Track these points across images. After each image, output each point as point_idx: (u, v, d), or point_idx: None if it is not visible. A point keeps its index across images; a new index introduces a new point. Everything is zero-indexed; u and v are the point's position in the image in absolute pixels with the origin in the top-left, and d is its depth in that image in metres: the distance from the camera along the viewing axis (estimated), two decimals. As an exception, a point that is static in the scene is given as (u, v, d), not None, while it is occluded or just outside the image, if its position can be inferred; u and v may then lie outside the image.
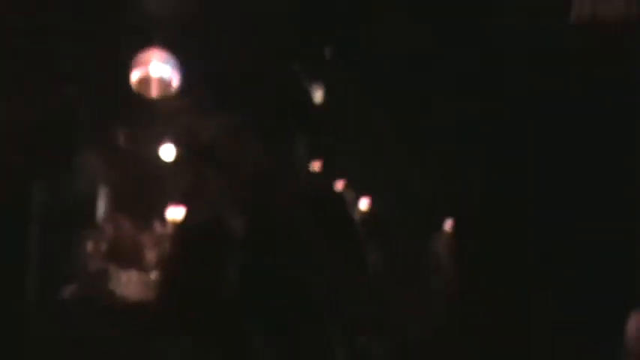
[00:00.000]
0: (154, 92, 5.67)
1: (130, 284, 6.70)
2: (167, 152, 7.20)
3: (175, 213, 7.40)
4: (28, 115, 5.43)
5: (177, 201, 7.30)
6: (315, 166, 5.78)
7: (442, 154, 6.36)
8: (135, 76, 5.62)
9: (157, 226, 7.53)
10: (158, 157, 7.21)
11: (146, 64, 5.62)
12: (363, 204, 7.42)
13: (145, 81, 5.64)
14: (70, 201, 6.50)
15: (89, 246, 6.94)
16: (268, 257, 2.72)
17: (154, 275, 6.85)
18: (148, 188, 7.34)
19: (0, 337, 5.35)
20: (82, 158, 6.14)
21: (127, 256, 7.17)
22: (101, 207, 7.13)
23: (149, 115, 6.51)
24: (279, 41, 5.39)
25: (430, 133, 6.42)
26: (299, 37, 5.54)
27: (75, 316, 6.22)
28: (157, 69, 5.63)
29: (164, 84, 5.68)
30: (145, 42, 5.67)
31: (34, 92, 5.44)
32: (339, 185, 5.92)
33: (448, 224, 7.06)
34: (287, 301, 2.71)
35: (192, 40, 5.74)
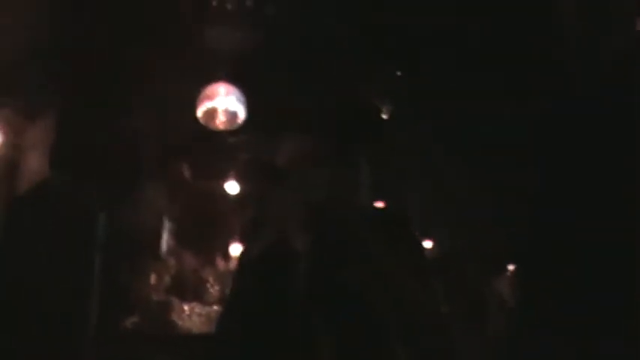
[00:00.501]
0: (220, 125, 5.70)
1: (192, 316, 6.74)
2: (232, 187, 7.23)
3: (238, 250, 7.40)
4: (97, 148, 5.50)
5: (240, 238, 7.31)
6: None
7: (506, 193, 6.27)
8: (201, 109, 5.67)
9: (220, 262, 7.55)
10: (223, 192, 7.24)
11: (212, 97, 5.67)
12: (427, 244, 7.37)
13: (212, 114, 5.68)
14: (134, 233, 6.55)
15: (152, 278, 7.00)
16: (334, 277, 2.69)
17: (215, 308, 6.89)
18: (211, 223, 7.37)
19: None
20: (147, 191, 6.18)
21: (189, 290, 7.23)
22: (165, 240, 7.17)
23: (215, 149, 6.55)
24: (343, 68, 5.38)
25: (495, 170, 6.33)
26: (365, 63, 5.53)
27: (136, 346, 6.27)
28: (223, 102, 5.66)
29: (230, 117, 5.71)
30: (211, 76, 5.71)
31: (102, 124, 5.52)
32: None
33: (512, 265, 6.95)
34: (353, 322, 2.68)
35: (257, 72, 5.77)
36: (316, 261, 2.74)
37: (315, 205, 2.82)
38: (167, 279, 7.14)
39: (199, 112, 5.68)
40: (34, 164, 6.07)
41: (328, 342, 2.69)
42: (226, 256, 7.58)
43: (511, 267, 7.00)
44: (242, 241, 7.11)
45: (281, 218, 2.83)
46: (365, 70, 5.41)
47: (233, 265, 7.45)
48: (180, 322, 6.68)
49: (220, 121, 5.71)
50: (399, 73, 5.58)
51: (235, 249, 7.47)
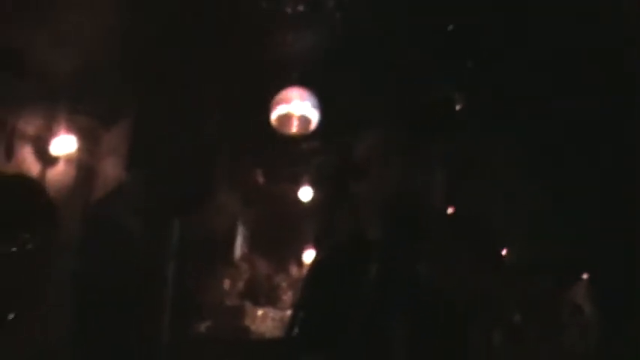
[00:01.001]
0: (295, 130, 5.68)
1: (265, 321, 6.74)
2: (305, 192, 7.19)
3: (312, 256, 7.37)
4: (171, 153, 5.52)
5: (314, 244, 7.28)
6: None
7: (582, 202, 6.12)
8: (275, 114, 5.65)
9: (293, 268, 7.54)
10: (296, 197, 7.21)
11: (286, 102, 5.65)
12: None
13: (286, 119, 5.66)
14: (208, 239, 6.57)
15: (226, 283, 7.02)
16: (408, 269, 2.65)
17: (289, 313, 6.86)
18: (285, 229, 7.35)
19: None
20: (221, 196, 6.19)
21: (263, 295, 7.22)
22: (238, 246, 7.18)
23: (288, 154, 6.53)
24: (420, 67, 5.31)
25: (569, 179, 6.19)
26: (439, 64, 5.45)
27: (210, 351, 6.29)
28: (298, 107, 5.64)
29: (304, 122, 5.69)
30: (286, 80, 5.70)
31: (177, 130, 5.53)
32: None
33: (587, 274, 6.78)
34: (428, 315, 2.64)
35: (330, 76, 5.73)
36: (392, 255, 2.70)
37: (391, 201, 2.78)
38: (240, 284, 7.15)
39: (273, 117, 5.67)
40: (110, 170, 6.12)
41: (402, 334, 2.65)
42: (299, 261, 7.55)
43: (585, 276, 6.84)
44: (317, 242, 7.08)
45: (358, 214, 2.80)
46: (438, 67, 5.33)
47: (306, 270, 7.42)
48: (253, 327, 6.68)
49: (294, 126, 5.69)
50: (469, 65, 5.47)
51: (308, 255, 7.43)
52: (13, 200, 2.47)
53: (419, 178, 2.98)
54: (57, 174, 5.83)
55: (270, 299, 7.18)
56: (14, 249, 2.13)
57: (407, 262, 2.70)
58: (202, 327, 6.65)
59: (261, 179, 7.04)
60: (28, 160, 5.99)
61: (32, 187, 2.66)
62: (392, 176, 2.96)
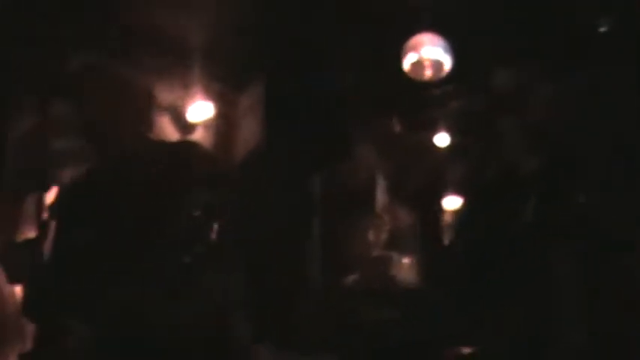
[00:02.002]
0: (428, 75, 5.57)
1: (412, 269, 6.70)
2: (442, 139, 7.07)
3: (453, 202, 7.27)
4: (306, 110, 5.50)
5: (455, 190, 7.16)
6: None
7: None
8: (407, 61, 5.56)
9: (436, 216, 7.44)
10: (433, 144, 7.10)
11: (418, 48, 5.55)
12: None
13: (418, 64, 5.56)
14: (349, 192, 6.56)
15: (370, 235, 7.00)
16: (566, 201, 2.55)
17: (434, 260, 6.81)
18: (424, 177, 7.26)
19: (284, 323, 5.47)
20: (358, 148, 6.14)
21: (407, 244, 7.17)
22: (379, 196, 7.13)
23: (423, 100, 6.44)
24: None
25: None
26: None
27: (359, 302, 6.29)
28: (429, 52, 5.54)
29: (437, 67, 5.58)
30: (415, 26, 5.59)
31: (309, 85, 5.51)
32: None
33: None
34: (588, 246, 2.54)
35: (461, 19, 5.60)
36: (548, 188, 2.60)
37: (543, 134, 2.68)
38: (384, 235, 7.11)
39: (405, 64, 5.58)
40: (247, 133, 6.17)
41: (563, 268, 2.55)
42: (442, 209, 7.44)
43: None
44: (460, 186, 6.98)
45: (507, 152, 2.71)
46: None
47: (447, 217, 7.33)
48: (400, 276, 6.65)
49: (427, 72, 5.59)
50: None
51: (451, 201, 7.31)
52: (189, 164, 2.49)
53: (567, 109, 2.85)
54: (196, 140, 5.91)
55: (415, 248, 7.11)
56: (198, 212, 2.14)
57: (564, 194, 2.58)
58: (350, 279, 6.65)
59: (397, 128, 6.95)
60: (166, 129, 6.11)
61: (201, 151, 2.68)
62: (540, 110, 2.84)
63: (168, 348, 2.33)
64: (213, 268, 2.26)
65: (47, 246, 4.12)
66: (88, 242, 2.47)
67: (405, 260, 6.75)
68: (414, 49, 5.57)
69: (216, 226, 2.12)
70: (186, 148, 2.72)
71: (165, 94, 6.00)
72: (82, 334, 2.44)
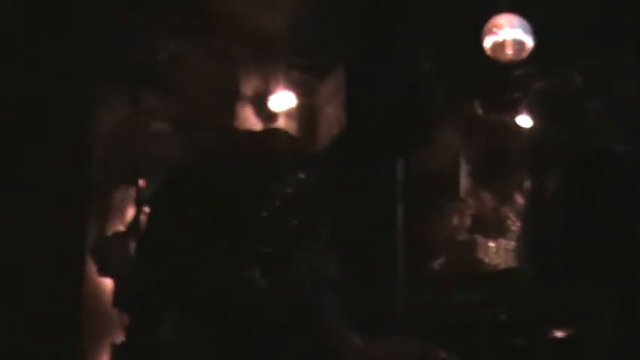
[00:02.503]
0: (509, 56, 5.49)
1: (498, 252, 6.63)
2: (524, 120, 6.95)
3: (536, 185, 7.16)
4: (388, 95, 5.47)
5: (537, 171, 7.05)
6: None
7: None
8: (488, 42, 5.49)
9: (518, 198, 7.33)
10: (516, 126, 6.99)
11: (499, 29, 5.46)
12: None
13: (499, 46, 5.48)
14: (431, 175, 6.52)
15: (454, 219, 6.94)
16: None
17: (519, 243, 6.73)
18: (507, 159, 7.15)
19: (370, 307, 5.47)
20: (441, 132, 6.08)
21: (492, 227, 7.09)
22: (463, 180, 7.06)
23: (505, 81, 6.34)
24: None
25: None
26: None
27: (446, 286, 6.25)
28: (510, 33, 5.45)
29: (518, 47, 5.49)
30: (495, 7, 5.51)
31: (390, 71, 5.47)
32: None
33: None
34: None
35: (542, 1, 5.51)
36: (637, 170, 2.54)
37: (626, 113, 2.61)
38: (468, 219, 7.05)
39: (486, 45, 5.50)
40: (329, 120, 6.16)
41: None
42: (524, 191, 7.33)
43: None
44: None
45: (596, 133, 2.65)
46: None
47: (531, 199, 7.22)
48: (487, 260, 6.58)
49: (508, 53, 5.51)
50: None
51: (534, 183, 7.20)
52: (274, 151, 2.51)
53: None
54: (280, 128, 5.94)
55: (500, 231, 7.03)
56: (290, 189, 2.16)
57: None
58: (436, 264, 6.62)
59: (479, 110, 6.87)
60: (250, 120, 6.15)
61: (286, 137, 2.70)
62: (628, 90, 2.76)
63: (260, 332, 2.34)
64: (304, 251, 2.27)
65: (137, 238, 4.18)
66: (178, 232, 2.49)
67: (490, 243, 6.68)
68: (495, 30, 5.49)
69: (304, 212, 2.12)
70: (271, 136, 2.73)
71: (247, 84, 6.05)
72: (175, 324, 2.46)
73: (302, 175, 2.15)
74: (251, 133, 2.74)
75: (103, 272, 4.94)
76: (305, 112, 6.45)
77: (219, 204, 2.43)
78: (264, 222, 2.15)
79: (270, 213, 2.14)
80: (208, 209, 2.44)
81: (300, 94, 6.39)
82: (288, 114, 6.33)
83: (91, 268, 4.98)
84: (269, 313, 2.33)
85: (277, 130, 4.72)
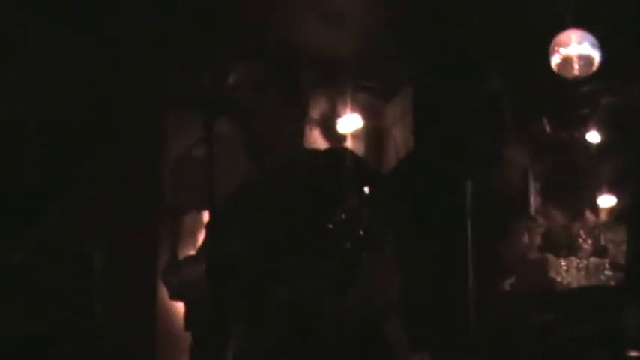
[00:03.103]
0: (576, 72, 5.38)
1: (569, 271, 6.51)
2: (593, 137, 6.83)
3: (607, 201, 7.03)
4: (456, 116, 5.41)
5: (608, 188, 6.93)
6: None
7: None
8: (555, 58, 5.39)
9: (589, 216, 7.21)
10: (585, 142, 6.87)
11: (565, 45, 5.36)
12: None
13: (567, 62, 5.38)
14: (502, 195, 6.43)
15: (524, 238, 6.85)
16: None
17: (592, 260, 6.60)
18: (577, 176, 7.04)
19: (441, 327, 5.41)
20: (511, 150, 6.00)
21: (562, 246, 6.97)
22: (532, 198, 6.97)
23: (573, 98, 6.24)
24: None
25: None
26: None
27: (517, 306, 6.16)
28: (577, 49, 5.34)
29: (586, 63, 5.38)
30: (562, 23, 5.42)
31: (458, 93, 5.42)
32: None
33: None
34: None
35: (609, 14, 5.39)
36: None
37: None
38: (538, 237, 6.95)
39: (553, 62, 5.40)
40: (397, 141, 6.13)
41: None
42: (594, 208, 7.20)
43: None
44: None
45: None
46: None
47: (602, 217, 7.10)
48: (559, 278, 6.47)
49: (576, 69, 5.40)
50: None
51: (603, 200, 7.07)
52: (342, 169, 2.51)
53: None
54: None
55: (571, 249, 6.91)
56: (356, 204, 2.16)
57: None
58: (507, 283, 6.53)
59: (547, 127, 6.77)
60: (318, 142, 6.14)
61: (353, 153, 2.69)
62: None
63: (330, 346, 2.32)
64: (372, 267, 2.25)
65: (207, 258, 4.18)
66: (247, 248, 2.49)
67: (562, 262, 6.57)
68: (561, 46, 5.39)
69: (370, 225, 2.10)
70: (337, 153, 2.72)
71: (315, 107, 6.05)
72: (248, 344, 2.45)
73: (368, 192, 2.12)
74: (318, 152, 2.73)
75: (174, 296, 4.96)
76: (373, 134, 6.44)
77: (286, 220, 2.42)
78: (330, 234, 2.13)
79: (337, 225, 2.12)
80: (272, 227, 2.43)
81: (367, 117, 6.38)
82: (356, 136, 6.32)
83: (163, 292, 5.00)
84: (337, 328, 2.30)
85: (343, 149, 4.73)
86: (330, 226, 2.11)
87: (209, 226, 2.64)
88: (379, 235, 2.11)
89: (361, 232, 2.07)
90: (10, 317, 4.04)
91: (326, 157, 2.65)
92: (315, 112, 6.00)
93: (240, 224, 2.50)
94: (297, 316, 2.27)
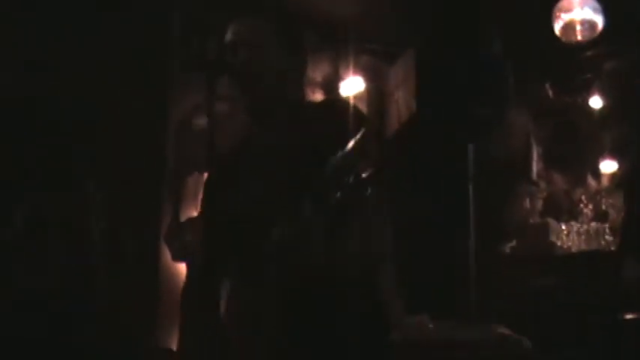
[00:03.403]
0: (580, 37, 5.34)
1: (570, 235, 6.50)
2: (595, 101, 6.78)
3: (609, 166, 7.00)
4: (457, 81, 5.38)
5: (610, 153, 6.89)
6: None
7: None
8: (558, 23, 5.35)
9: (591, 181, 7.18)
10: (587, 108, 6.82)
11: (568, 10, 5.33)
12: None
13: (570, 27, 5.34)
14: (504, 160, 6.41)
15: (526, 202, 6.82)
16: None
17: (593, 225, 6.59)
18: (579, 141, 7.00)
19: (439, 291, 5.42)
20: (513, 115, 5.96)
21: (564, 210, 6.95)
22: (534, 163, 6.93)
23: (575, 63, 6.20)
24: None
25: None
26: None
27: (517, 270, 6.16)
28: (580, 13, 5.30)
29: (589, 28, 5.34)
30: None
31: (460, 58, 5.38)
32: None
33: None
34: None
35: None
36: None
37: None
38: (540, 202, 6.93)
39: (556, 27, 5.37)
40: (400, 105, 6.10)
41: None
42: (596, 174, 7.16)
43: None
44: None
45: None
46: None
47: (604, 182, 7.07)
48: (559, 242, 6.45)
49: (579, 33, 5.36)
50: None
51: (605, 166, 7.03)
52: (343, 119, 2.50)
53: None
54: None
55: (572, 214, 6.89)
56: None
57: None
58: (507, 247, 6.52)
59: (550, 92, 6.73)
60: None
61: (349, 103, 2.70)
62: None
63: (321, 297, 2.32)
64: (363, 215, 2.24)
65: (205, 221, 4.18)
66: (239, 203, 2.48)
67: (563, 226, 6.56)
68: (564, 11, 5.35)
69: (364, 177, 2.09)
70: (333, 103, 2.74)
71: (318, 69, 6.02)
72: (247, 297, 2.45)
73: (361, 139, 2.11)
74: (313, 103, 2.74)
75: (176, 258, 4.97)
76: (375, 97, 6.41)
77: (283, 172, 2.42)
78: (321, 179, 2.13)
79: (329, 170, 2.12)
80: (271, 177, 2.43)
81: (370, 79, 6.34)
82: (358, 98, 6.28)
83: (166, 253, 5.01)
84: (328, 277, 2.30)
85: (337, 99, 4.78)
86: (322, 171, 2.11)
87: (207, 179, 2.64)
88: (369, 183, 2.11)
89: (351, 179, 2.06)
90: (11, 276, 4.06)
91: (321, 107, 2.66)
92: (317, 74, 5.97)
93: (237, 177, 2.50)
94: (288, 260, 2.27)
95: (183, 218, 5.09)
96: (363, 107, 6.25)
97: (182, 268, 4.99)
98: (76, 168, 4.52)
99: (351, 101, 3.64)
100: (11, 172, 4.30)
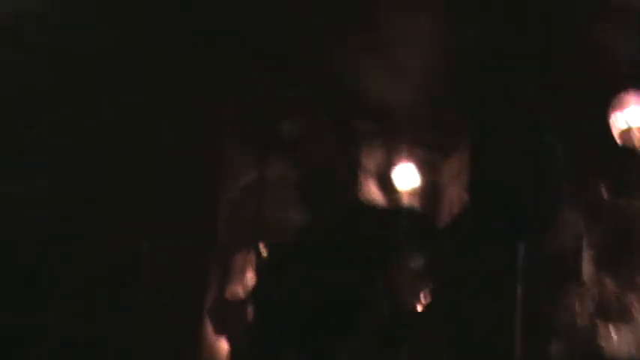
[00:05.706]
0: (637, 144, 5.26)
1: (620, 340, 6.32)
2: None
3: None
4: (507, 177, 5.31)
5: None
6: None
7: None
8: (615, 124, 5.27)
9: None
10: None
11: (624, 109, 5.25)
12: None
13: (627, 131, 5.26)
14: (555, 260, 6.29)
15: (576, 304, 6.67)
16: None
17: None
18: (633, 245, 6.83)
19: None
20: (566, 215, 5.86)
21: (614, 314, 6.76)
22: (585, 264, 6.77)
23: (634, 164, 6.08)
24: None
25: None
26: None
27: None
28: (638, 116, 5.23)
29: (647, 132, 5.25)
30: (620, 86, 5.31)
31: (517, 152, 5.32)
32: None
33: None
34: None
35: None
36: None
37: None
38: (590, 304, 6.74)
39: (614, 130, 5.29)
40: (452, 199, 6.04)
41: None
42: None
43: None
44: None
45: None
46: None
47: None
48: (607, 347, 6.25)
49: (637, 141, 5.28)
50: None
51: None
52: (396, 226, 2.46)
53: None
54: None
55: (623, 318, 6.68)
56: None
57: None
58: (555, 348, 6.33)
59: (605, 193, 6.59)
60: (373, 193, 6.08)
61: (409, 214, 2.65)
62: None
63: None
64: (423, 326, 2.16)
65: (255, 300, 4.14)
66: (306, 293, 2.42)
67: (613, 330, 6.37)
68: (620, 111, 5.27)
69: (424, 286, 2.00)
70: (393, 211, 2.66)
71: (372, 160, 6.00)
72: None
73: (421, 251, 2.04)
74: (373, 207, 2.67)
75: (219, 332, 4.97)
76: (429, 190, 6.37)
77: (334, 272, 2.35)
78: (381, 295, 2.05)
79: (388, 287, 2.04)
80: (321, 276, 2.36)
81: (424, 172, 6.31)
82: (412, 190, 6.24)
83: (209, 328, 5.00)
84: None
85: (403, 210, 4.70)
86: (379, 291, 2.04)
87: (261, 270, 2.59)
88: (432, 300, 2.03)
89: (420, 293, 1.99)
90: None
91: (385, 214, 2.61)
92: (370, 163, 5.95)
93: (294, 271, 2.44)
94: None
95: (228, 295, 5.10)
96: (415, 199, 6.21)
97: (223, 341, 5.00)
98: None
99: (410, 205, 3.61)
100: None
